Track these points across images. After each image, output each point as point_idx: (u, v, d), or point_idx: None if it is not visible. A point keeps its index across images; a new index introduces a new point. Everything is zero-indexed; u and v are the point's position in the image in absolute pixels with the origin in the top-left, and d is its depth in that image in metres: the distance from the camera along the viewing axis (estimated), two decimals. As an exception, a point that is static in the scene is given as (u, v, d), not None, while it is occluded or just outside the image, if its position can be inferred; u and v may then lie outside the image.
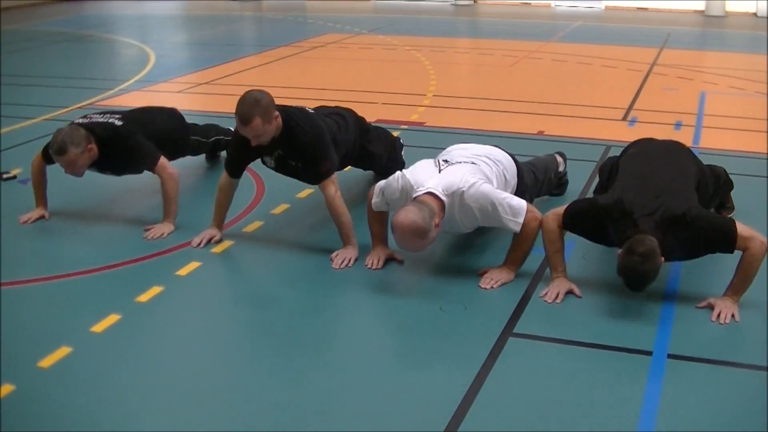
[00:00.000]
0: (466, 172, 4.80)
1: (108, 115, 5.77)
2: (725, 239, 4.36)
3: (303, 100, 8.99)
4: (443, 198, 4.67)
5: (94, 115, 5.81)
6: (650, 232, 4.29)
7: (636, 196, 4.50)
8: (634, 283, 4.32)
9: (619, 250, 4.34)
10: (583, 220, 4.62)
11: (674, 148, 5.26)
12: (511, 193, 5.10)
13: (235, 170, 5.38)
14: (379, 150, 6.11)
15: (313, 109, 5.56)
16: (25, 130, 8.19)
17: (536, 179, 5.66)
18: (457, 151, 5.23)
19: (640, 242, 4.23)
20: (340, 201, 5.15)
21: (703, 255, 4.55)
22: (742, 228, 4.37)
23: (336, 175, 5.24)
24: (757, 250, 4.34)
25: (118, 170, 5.86)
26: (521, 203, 4.76)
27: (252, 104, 4.87)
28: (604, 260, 5.07)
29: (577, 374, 3.93)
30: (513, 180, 5.26)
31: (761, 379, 3.89)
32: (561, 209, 4.69)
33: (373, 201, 5.00)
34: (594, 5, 20.40)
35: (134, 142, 5.63)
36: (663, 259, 4.27)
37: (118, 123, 5.65)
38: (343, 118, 5.74)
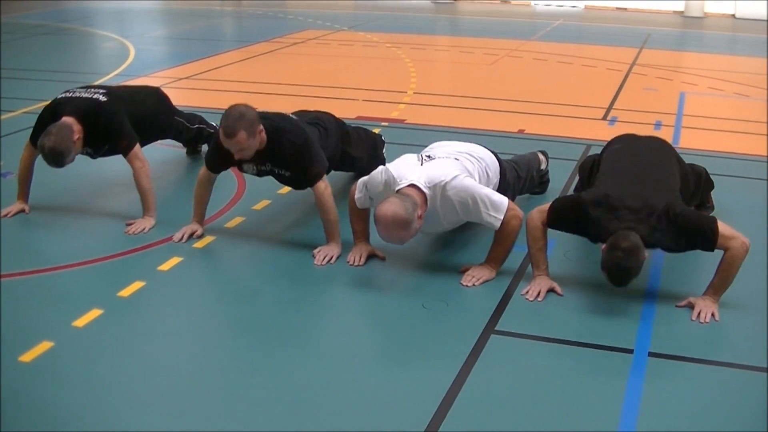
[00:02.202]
0: (449, 166, 4.82)
1: (93, 90, 5.75)
2: (706, 237, 4.39)
3: (283, 95, 9.00)
4: (425, 190, 4.67)
5: (78, 89, 5.78)
6: (634, 228, 4.32)
7: (620, 192, 4.52)
8: (618, 279, 4.34)
9: (603, 246, 4.36)
10: (567, 216, 4.62)
11: (657, 144, 5.31)
12: (493, 190, 5.12)
13: (215, 168, 5.37)
14: (359, 153, 6.09)
15: (294, 114, 5.54)
16: (4, 123, 8.12)
17: (518, 176, 5.68)
18: (439, 147, 5.25)
19: (623, 238, 4.25)
20: (330, 198, 5.14)
21: (684, 251, 4.58)
22: (723, 227, 4.40)
23: None
24: (738, 250, 4.38)
25: (97, 146, 5.72)
26: (502, 200, 4.78)
27: (237, 118, 4.84)
28: (585, 259, 5.10)
29: (559, 372, 3.95)
30: (495, 177, 5.28)
31: (740, 377, 3.94)
32: (545, 206, 4.71)
33: (356, 197, 5.00)
34: (574, 4, 20.46)
35: (116, 120, 5.62)
36: (646, 254, 4.30)
37: (103, 99, 5.65)
38: (323, 124, 5.70)
